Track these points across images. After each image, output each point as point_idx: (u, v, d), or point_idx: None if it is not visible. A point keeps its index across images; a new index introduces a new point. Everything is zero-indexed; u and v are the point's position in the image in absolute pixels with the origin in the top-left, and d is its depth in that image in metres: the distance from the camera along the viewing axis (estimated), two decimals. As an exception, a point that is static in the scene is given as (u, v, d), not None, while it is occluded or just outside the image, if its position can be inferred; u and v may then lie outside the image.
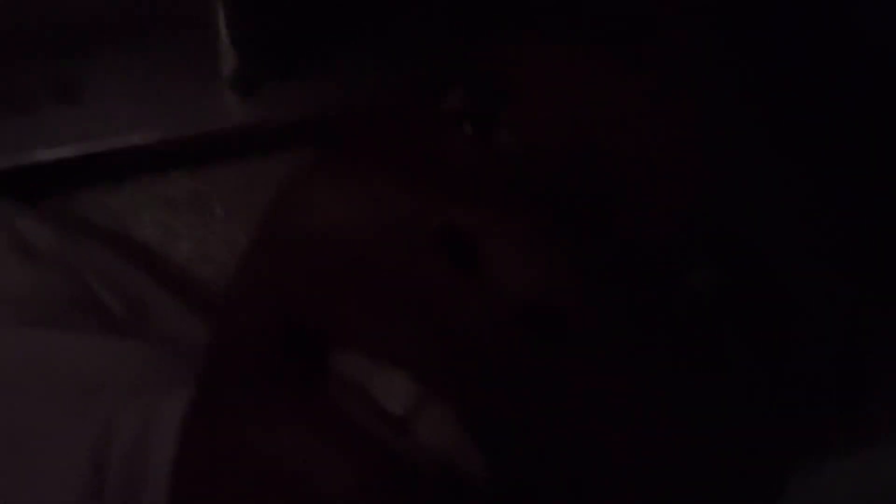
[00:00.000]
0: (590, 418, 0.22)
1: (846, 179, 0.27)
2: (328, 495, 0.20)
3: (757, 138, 0.25)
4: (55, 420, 0.31)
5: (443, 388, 0.21)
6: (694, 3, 0.27)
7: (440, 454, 0.21)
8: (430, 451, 0.21)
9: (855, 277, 0.28)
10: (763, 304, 0.25)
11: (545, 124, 0.24)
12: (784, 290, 0.25)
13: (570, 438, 0.22)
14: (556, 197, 0.23)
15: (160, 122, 0.50)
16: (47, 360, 0.32)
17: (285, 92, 0.52)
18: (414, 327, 0.21)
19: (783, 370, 0.26)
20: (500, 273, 0.21)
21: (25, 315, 0.34)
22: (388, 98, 0.29)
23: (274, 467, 0.21)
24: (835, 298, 0.28)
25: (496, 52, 0.26)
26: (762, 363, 0.25)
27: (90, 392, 0.32)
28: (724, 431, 0.25)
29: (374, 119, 0.28)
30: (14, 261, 0.36)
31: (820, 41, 0.28)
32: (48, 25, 0.49)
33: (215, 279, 0.51)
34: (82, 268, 0.38)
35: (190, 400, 0.25)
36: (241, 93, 0.51)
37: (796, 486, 0.37)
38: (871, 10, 0.30)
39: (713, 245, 0.24)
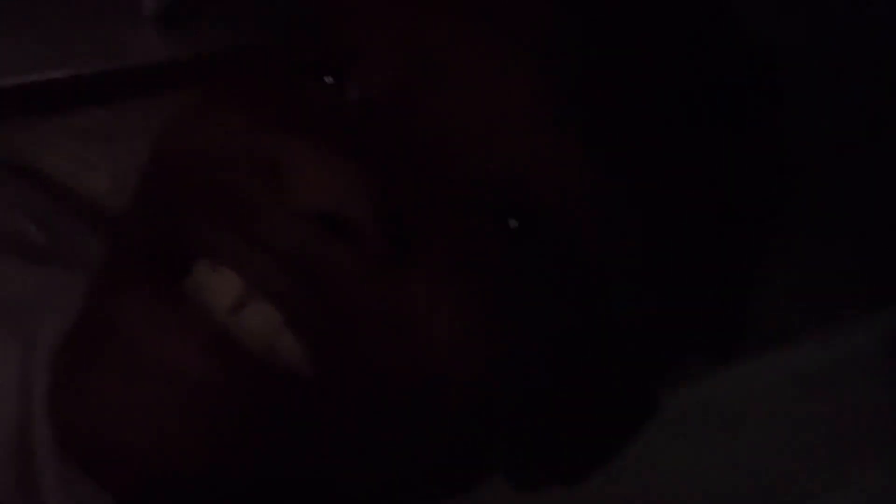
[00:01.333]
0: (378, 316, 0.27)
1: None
2: (173, 362, 0.26)
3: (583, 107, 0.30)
4: None
5: (265, 284, 0.27)
6: None
7: (262, 340, 0.27)
8: (253, 336, 0.27)
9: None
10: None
11: (380, 81, 0.30)
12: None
13: (368, 327, 0.27)
14: (362, 133, 0.28)
15: (77, 56, 0.51)
16: None
17: (200, 28, 0.53)
18: (242, 238, 0.27)
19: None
20: (299, 189, 0.26)
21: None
22: (270, 49, 0.34)
23: (136, 345, 0.27)
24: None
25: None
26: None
27: (13, 316, 0.34)
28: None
29: (254, 64, 0.34)
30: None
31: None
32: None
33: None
34: (4, 200, 0.40)
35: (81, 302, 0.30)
36: (166, 26, 0.52)
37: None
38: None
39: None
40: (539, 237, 0.29)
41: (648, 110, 0.31)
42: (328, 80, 0.30)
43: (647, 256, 0.32)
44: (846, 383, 0.49)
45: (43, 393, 0.30)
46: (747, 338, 0.46)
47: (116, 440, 0.27)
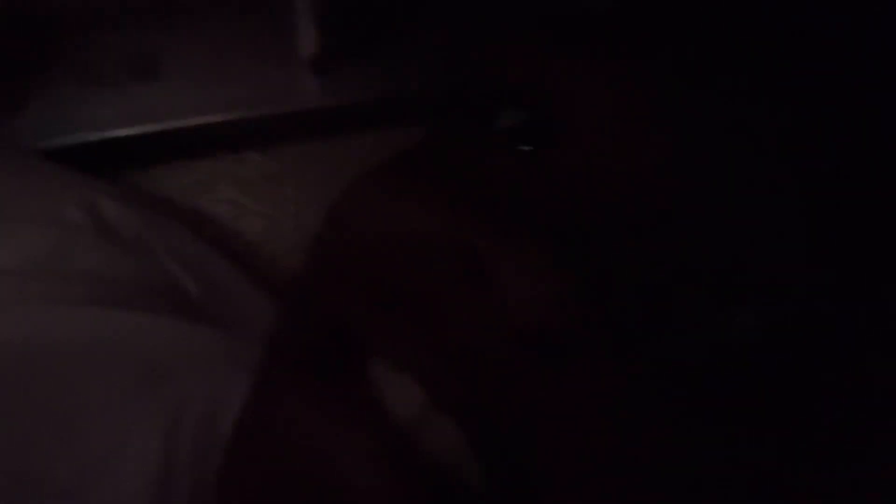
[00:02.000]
0: (580, 442, 0.24)
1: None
2: (349, 474, 0.23)
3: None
4: (125, 401, 0.31)
5: (450, 399, 0.23)
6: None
7: (442, 458, 0.23)
8: (433, 454, 0.23)
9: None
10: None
11: (603, 150, 0.26)
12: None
13: (564, 457, 0.23)
14: (591, 224, 0.25)
15: (235, 101, 0.51)
16: (118, 340, 0.33)
17: (359, 74, 0.52)
18: (430, 341, 0.24)
19: None
20: (508, 295, 0.23)
21: (99, 295, 0.34)
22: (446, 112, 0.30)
23: (306, 452, 0.24)
24: None
25: (542, 66, 0.27)
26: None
27: (160, 375, 0.32)
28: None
29: (429, 139, 0.30)
30: (91, 240, 0.36)
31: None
32: (129, 4, 0.49)
33: (284, 256, 0.51)
34: (158, 248, 0.39)
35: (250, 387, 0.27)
36: (318, 71, 0.51)
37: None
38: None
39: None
40: None
41: None
42: (524, 146, 0.27)
43: None
44: None
45: (186, 460, 0.28)
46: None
47: None
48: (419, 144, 0.29)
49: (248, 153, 0.53)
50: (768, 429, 0.27)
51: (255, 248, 0.52)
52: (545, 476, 0.23)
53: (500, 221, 0.25)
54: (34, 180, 0.39)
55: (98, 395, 0.31)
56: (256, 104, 0.51)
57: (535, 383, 0.23)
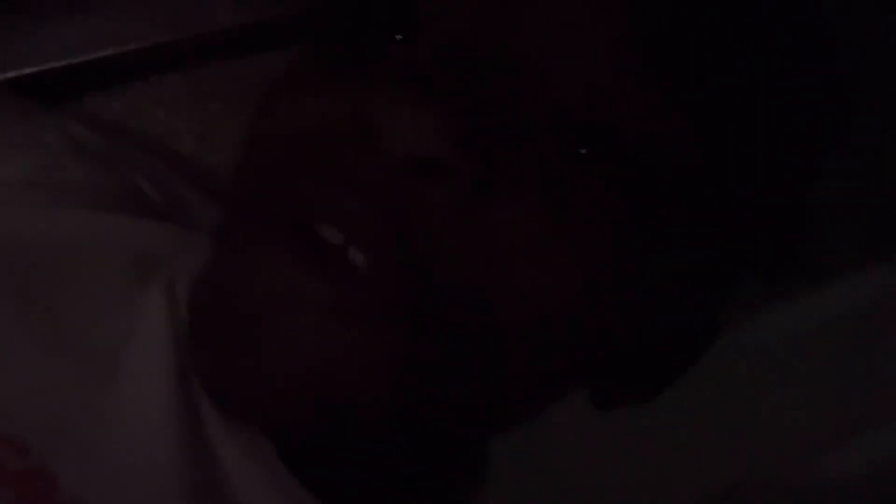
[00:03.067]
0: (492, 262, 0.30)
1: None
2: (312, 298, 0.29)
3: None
4: (127, 286, 0.35)
5: (357, 237, 0.29)
6: None
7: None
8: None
9: None
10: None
11: (454, 19, 0.31)
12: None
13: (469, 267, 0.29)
14: (441, 79, 0.30)
15: (158, 25, 0.54)
16: (111, 237, 0.37)
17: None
18: (342, 190, 0.29)
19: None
20: (387, 137, 0.29)
21: (87, 201, 0.39)
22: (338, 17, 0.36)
23: (278, 293, 0.29)
24: None
25: None
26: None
27: (152, 263, 0.37)
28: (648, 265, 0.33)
29: (327, 32, 0.36)
30: (71, 157, 0.40)
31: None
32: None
33: (221, 167, 0.56)
34: (121, 162, 0.43)
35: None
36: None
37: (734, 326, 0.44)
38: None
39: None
40: (613, 165, 0.31)
41: (732, 63, 0.33)
42: (398, 37, 0.32)
43: (710, 178, 0.34)
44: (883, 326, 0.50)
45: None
46: (797, 269, 0.48)
47: (269, 377, 0.29)
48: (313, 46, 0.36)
49: (172, 75, 0.57)
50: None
51: (190, 163, 0.56)
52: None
53: (378, 85, 0.30)
54: (12, 110, 0.43)
55: (101, 283, 0.35)
56: (176, 26, 0.55)
57: (420, 204, 0.29)
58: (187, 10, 0.55)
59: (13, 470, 0.28)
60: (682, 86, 0.32)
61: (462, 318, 0.30)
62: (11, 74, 0.50)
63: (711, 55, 0.33)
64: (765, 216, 0.39)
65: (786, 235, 0.42)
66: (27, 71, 0.50)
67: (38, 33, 0.50)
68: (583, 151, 0.31)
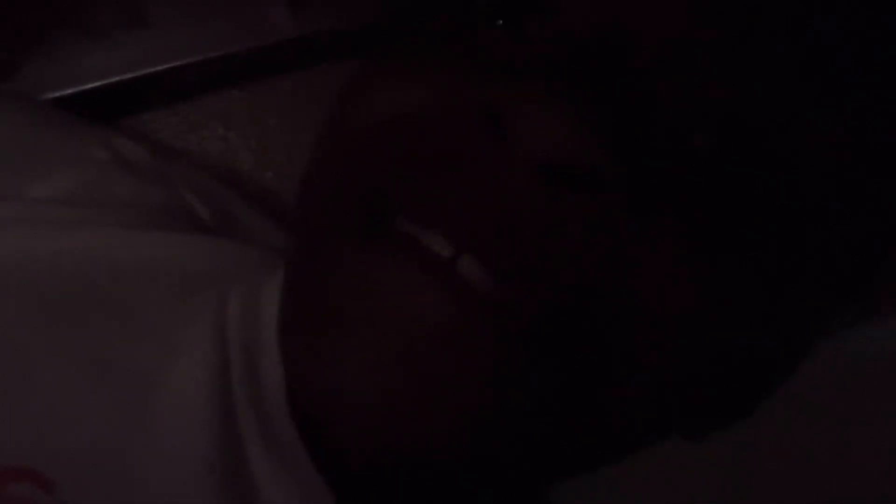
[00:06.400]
0: (609, 269, 0.26)
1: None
2: (409, 308, 0.25)
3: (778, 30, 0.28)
4: (172, 308, 0.34)
5: (476, 240, 0.25)
6: None
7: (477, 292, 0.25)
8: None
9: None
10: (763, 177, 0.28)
11: (571, 13, 0.28)
12: (784, 166, 0.28)
13: (593, 288, 0.26)
14: (581, 72, 0.26)
15: (216, 40, 0.53)
16: (160, 257, 0.36)
17: (332, 4, 0.55)
18: (454, 191, 0.26)
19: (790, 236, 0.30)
20: (526, 137, 0.24)
21: (129, 219, 0.38)
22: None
23: (376, 304, 0.26)
24: (838, 177, 0.31)
25: None
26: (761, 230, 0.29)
27: (202, 283, 0.35)
28: (741, 293, 0.29)
29: (418, 26, 0.32)
30: (118, 173, 0.40)
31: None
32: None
33: (276, 184, 0.55)
34: (171, 178, 0.42)
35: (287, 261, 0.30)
36: (301, 4, 0.54)
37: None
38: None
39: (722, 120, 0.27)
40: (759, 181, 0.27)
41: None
42: (499, 23, 0.29)
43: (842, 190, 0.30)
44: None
45: (239, 358, 0.31)
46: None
47: (356, 396, 0.26)
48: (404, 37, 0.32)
49: (231, 90, 0.56)
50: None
51: (247, 179, 0.56)
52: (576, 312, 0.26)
53: (507, 78, 0.26)
54: (57, 126, 0.42)
55: (143, 305, 0.34)
56: (235, 41, 0.54)
57: (557, 217, 0.25)
58: (245, 23, 0.55)
59: None
60: (836, 93, 0.29)
61: (594, 349, 0.27)
62: (69, 91, 0.50)
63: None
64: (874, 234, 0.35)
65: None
66: (85, 87, 0.50)
67: (96, 49, 0.50)
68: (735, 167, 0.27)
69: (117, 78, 0.51)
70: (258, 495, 0.29)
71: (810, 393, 0.41)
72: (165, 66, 0.53)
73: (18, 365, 0.30)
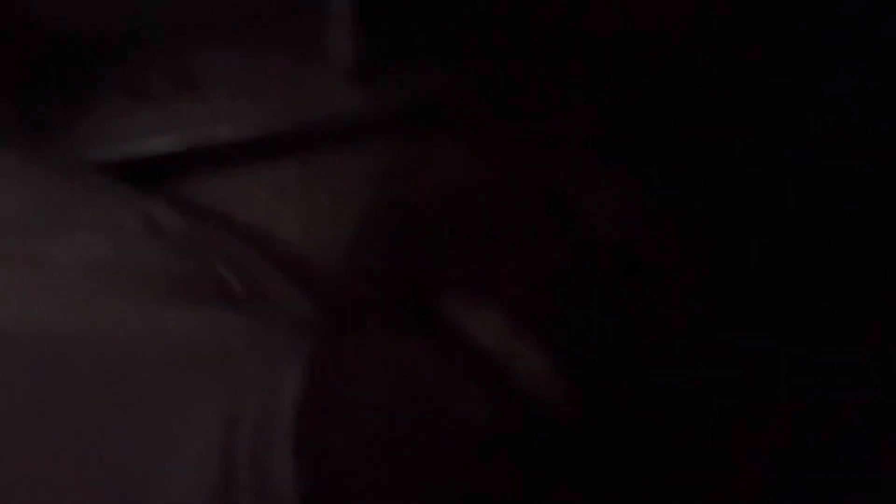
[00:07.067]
0: (672, 355, 0.24)
1: None
2: (456, 410, 0.23)
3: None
4: (179, 392, 0.32)
5: (535, 326, 0.24)
6: None
7: (529, 388, 0.24)
8: (520, 384, 0.23)
9: None
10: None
11: None
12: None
13: (655, 372, 0.24)
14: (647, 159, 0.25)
15: (272, 111, 0.53)
16: (168, 337, 0.34)
17: (391, 80, 0.54)
18: (511, 271, 0.24)
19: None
20: (596, 221, 0.24)
21: (153, 287, 0.36)
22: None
23: (403, 392, 0.24)
24: None
25: None
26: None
27: (219, 364, 0.34)
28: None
29: (483, 95, 0.31)
30: (145, 240, 0.39)
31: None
32: (167, 22, 0.52)
33: (320, 261, 0.53)
34: (205, 248, 0.41)
35: (312, 350, 0.28)
36: (354, 78, 0.53)
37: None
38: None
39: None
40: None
41: None
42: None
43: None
44: None
45: (247, 445, 0.30)
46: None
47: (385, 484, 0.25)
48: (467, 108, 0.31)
49: (284, 160, 0.56)
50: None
51: (292, 251, 0.54)
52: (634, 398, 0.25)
53: (573, 153, 0.25)
54: (94, 191, 0.42)
55: (162, 385, 0.32)
56: (293, 114, 0.54)
57: (622, 302, 0.24)
58: (303, 97, 0.54)
59: None
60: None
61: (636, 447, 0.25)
62: (116, 156, 0.49)
63: None
64: None
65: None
66: (133, 151, 0.50)
67: (149, 115, 0.50)
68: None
69: (167, 144, 0.51)
70: None
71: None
72: (219, 137, 0.53)
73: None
